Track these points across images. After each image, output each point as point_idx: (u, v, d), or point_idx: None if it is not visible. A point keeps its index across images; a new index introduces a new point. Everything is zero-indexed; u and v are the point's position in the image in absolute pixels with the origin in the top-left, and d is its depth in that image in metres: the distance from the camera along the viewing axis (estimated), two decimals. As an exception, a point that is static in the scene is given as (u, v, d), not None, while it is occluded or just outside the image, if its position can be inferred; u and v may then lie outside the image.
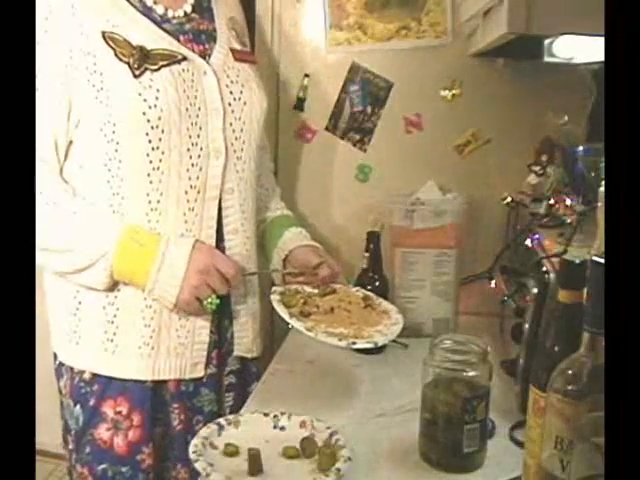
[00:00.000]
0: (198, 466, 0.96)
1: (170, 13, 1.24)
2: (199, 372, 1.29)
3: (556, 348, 0.88)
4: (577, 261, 0.88)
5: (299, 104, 1.76)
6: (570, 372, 0.79)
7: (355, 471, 1.01)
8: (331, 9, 1.70)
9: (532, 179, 1.54)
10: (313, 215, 1.78)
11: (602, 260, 0.73)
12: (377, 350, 1.48)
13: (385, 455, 1.09)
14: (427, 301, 1.58)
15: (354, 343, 1.14)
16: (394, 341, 1.48)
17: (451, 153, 1.73)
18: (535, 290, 1.15)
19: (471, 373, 1.03)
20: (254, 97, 1.30)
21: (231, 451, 1.02)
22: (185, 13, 1.26)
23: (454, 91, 1.70)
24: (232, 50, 1.30)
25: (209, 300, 1.20)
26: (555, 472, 0.79)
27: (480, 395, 1.02)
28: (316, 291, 1.28)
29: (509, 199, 1.59)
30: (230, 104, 1.26)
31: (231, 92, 1.26)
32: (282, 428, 1.10)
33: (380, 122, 1.74)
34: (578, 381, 0.78)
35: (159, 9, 1.23)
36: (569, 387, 0.78)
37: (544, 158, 1.55)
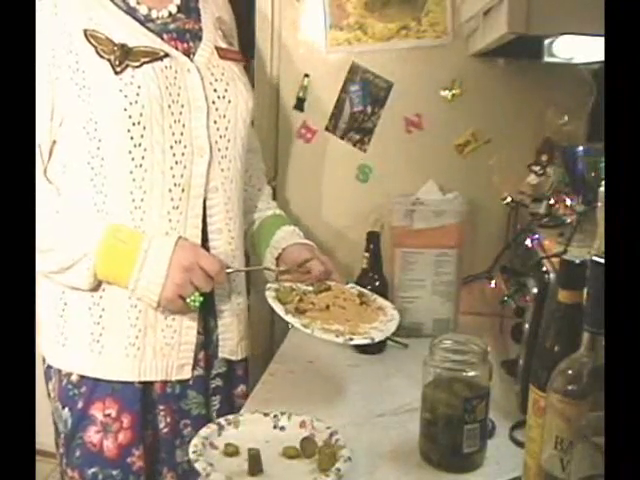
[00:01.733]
0: (198, 466, 0.96)
1: (154, 14, 1.23)
2: (186, 374, 1.27)
3: (556, 348, 0.88)
4: (577, 261, 0.88)
5: (299, 104, 1.76)
6: (570, 372, 0.79)
7: (355, 471, 1.01)
8: (331, 9, 1.70)
9: (532, 179, 1.54)
10: (312, 215, 1.78)
11: (602, 260, 0.73)
12: (377, 350, 1.48)
13: (385, 455, 1.09)
14: (427, 301, 1.58)
15: (351, 339, 1.13)
16: (394, 341, 1.49)
17: (451, 153, 1.73)
18: (535, 290, 1.15)
19: (471, 373, 1.03)
20: (240, 95, 1.28)
21: (231, 451, 1.02)
22: (170, 13, 1.25)
23: (454, 91, 1.70)
24: (217, 48, 1.29)
25: (192, 298, 1.18)
26: (555, 472, 0.79)
27: (480, 395, 1.02)
28: (311, 288, 1.28)
29: (509, 199, 1.59)
30: (214, 102, 1.25)
31: (215, 90, 1.25)
32: (282, 428, 1.10)
33: (380, 122, 1.73)
34: (578, 381, 0.78)
35: (142, 9, 1.22)
36: (569, 387, 0.78)
37: (544, 158, 1.55)
